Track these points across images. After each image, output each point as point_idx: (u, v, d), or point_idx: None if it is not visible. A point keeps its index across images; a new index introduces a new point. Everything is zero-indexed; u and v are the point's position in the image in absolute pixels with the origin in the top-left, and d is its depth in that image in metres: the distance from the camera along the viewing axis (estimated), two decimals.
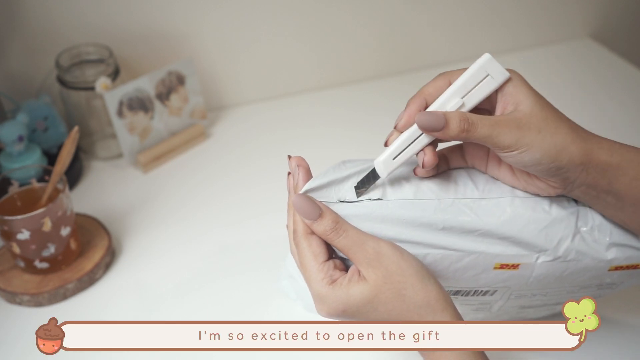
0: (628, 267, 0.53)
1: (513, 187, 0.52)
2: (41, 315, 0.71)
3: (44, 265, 0.73)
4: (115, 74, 0.89)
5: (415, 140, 0.48)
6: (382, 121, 1.01)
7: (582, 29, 1.21)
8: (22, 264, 0.73)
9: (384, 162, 0.49)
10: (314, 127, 1.01)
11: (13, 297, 0.72)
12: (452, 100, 0.47)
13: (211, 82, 1.02)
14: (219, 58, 1.01)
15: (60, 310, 0.71)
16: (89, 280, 0.74)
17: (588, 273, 0.53)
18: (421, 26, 1.09)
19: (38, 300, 0.72)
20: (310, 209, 0.48)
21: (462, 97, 0.47)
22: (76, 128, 0.72)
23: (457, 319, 0.47)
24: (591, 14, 1.19)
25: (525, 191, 0.51)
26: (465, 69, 0.48)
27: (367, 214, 0.49)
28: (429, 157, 0.48)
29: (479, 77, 0.47)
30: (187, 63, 0.94)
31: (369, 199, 0.49)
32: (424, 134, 0.48)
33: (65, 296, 0.73)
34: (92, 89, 0.88)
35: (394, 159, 0.48)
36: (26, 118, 0.83)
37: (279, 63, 1.05)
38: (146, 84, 0.90)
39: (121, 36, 0.94)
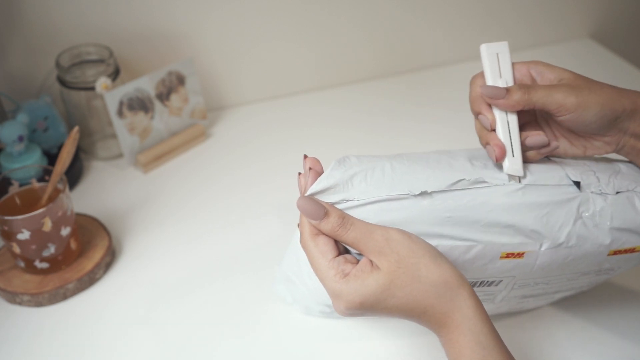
0: (626, 251, 0.55)
1: (573, 157, 0.56)
2: (41, 315, 0.71)
3: (44, 265, 0.73)
4: (115, 74, 0.89)
5: (509, 127, 0.53)
6: (381, 121, 1.03)
7: (582, 29, 1.21)
8: (22, 264, 0.73)
9: (511, 165, 0.52)
10: (313, 127, 1.01)
11: (13, 297, 0.72)
12: (497, 84, 0.54)
13: (211, 82, 1.02)
14: (219, 58, 1.01)
15: (60, 310, 0.72)
16: (89, 280, 0.74)
17: (589, 258, 0.54)
18: (419, 27, 1.09)
19: (38, 300, 0.72)
20: (315, 209, 0.48)
21: (501, 79, 0.54)
22: (76, 128, 0.72)
23: (473, 295, 0.48)
24: (591, 14, 1.20)
25: (585, 155, 0.56)
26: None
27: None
28: (532, 137, 0.53)
29: (494, 60, 0.55)
30: (187, 63, 0.94)
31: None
32: (509, 117, 0.53)
33: (65, 296, 0.73)
34: (92, 89, 0.88)
35: (513, 156, 0.52)
36: (26, 118, 0.83)
37: (279, 63, 1.05)
38: (146, 84, 0.90)
39: (121, 36, 0.94)
